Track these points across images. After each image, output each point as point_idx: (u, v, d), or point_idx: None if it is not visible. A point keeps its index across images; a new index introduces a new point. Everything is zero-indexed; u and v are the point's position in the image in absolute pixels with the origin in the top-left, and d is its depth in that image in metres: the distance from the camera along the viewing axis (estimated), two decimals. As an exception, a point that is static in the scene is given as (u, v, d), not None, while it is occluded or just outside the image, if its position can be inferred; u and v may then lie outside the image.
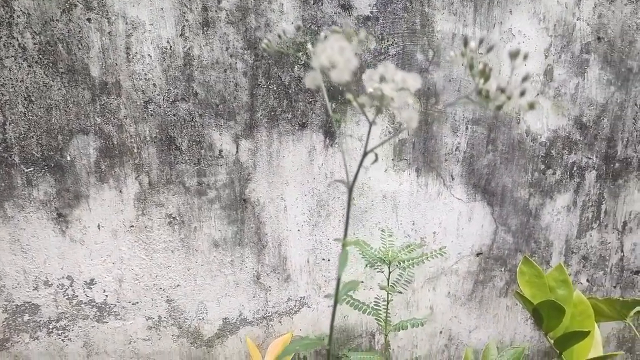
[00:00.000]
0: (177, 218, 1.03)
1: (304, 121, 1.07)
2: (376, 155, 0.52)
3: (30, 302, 0.96)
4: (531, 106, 0.38)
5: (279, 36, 0.49)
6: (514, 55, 0.37)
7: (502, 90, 0.36)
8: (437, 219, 1.22)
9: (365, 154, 0.49)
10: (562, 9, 1.17)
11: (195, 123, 1.00)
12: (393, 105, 0.36)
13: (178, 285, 1.06)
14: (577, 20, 1.19)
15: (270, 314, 1.14)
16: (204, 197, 1.04)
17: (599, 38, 1.22)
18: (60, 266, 0.96)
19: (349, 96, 0.40)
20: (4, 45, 0.87)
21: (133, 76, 0.95)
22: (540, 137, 1.25)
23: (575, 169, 1.30)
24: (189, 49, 0.97)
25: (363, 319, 1.23)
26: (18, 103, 0.90)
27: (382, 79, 0.35)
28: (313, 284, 1.17)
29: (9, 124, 0.90)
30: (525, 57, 0.37)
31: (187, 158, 1.01)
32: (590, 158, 1.30)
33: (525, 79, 0.37)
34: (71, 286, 0.98)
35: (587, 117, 1.26)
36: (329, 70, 0.35)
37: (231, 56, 0.99)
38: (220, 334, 1.13)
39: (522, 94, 0.36)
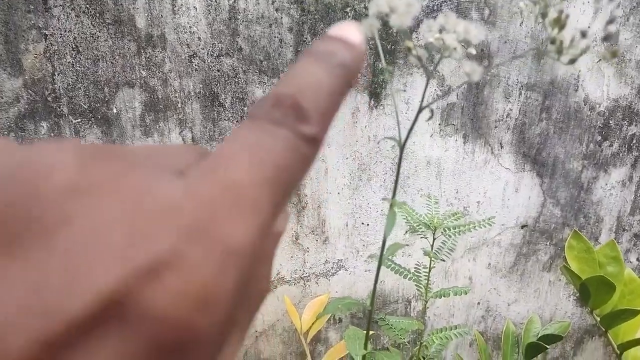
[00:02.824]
0: (219, 175, 1.03)
1: (349, 81, 1.03)
2: (432, 110, 0.49)
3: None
4: (614, 54, 0.34)
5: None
6: None
7: (584, 34, 0.32)
8: (482, 188, 1.18)
9: (420, 109, 0.45)
10: (635, -35, 1.07)
11: (239, 79, 0.98)
12: (456, 56, 0.34)
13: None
14: (652, -23, 1.09)
15: (307, 274, 1.15)
16: (246, 155, 1.03)
17: (674, -2, 1.11)
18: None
19: (409, 43, 0.37)
20: (53, -6, 0.86)
21: (178, 29, 0.93)
22: (599, 107, 1.17)
23: (634, 141, 1.22)
24: (234, 1, 0.94)
25: (400, 285, 1.22)
26: (66, 53, 0.90)
27: (443, 29, 0.33)
28: (351, 248, 1.16)
29: (58, 74, 0.90)
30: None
31: (230, 115, 1.00)
32: (652, 130, 1.21)
33: (611, 20, 0.33)
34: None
35: (654, 85, 1.17)
36: (386, 17, 0.33)
37: (277, 10, 0.96)
38: (257, 292, 1.14)
39: (607, 38, 0.33)
